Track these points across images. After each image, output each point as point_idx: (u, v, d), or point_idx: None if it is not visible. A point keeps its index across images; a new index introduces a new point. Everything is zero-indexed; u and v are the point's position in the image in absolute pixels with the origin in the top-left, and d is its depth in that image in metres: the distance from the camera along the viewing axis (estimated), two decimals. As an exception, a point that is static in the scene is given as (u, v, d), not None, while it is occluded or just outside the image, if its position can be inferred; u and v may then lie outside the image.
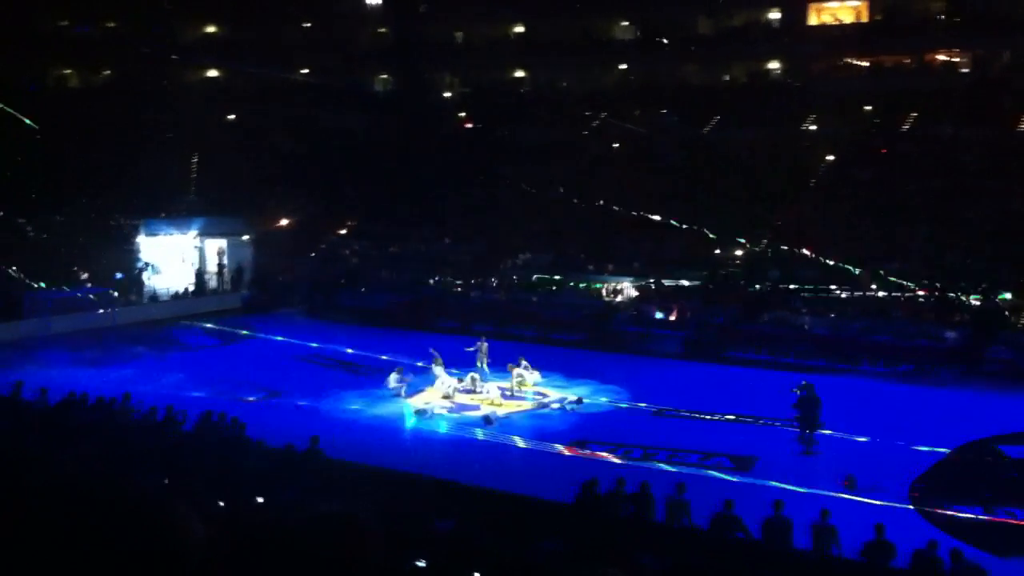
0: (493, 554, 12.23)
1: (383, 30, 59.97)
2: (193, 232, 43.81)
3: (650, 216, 41.40)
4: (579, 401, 25.31)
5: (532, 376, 26.97)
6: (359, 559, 2.05)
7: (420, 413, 24.55)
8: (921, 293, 32.77)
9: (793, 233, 38.26)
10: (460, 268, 41.10)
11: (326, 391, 27.15)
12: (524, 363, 27.16)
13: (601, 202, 43.32)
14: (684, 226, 40.18)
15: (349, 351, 32.82)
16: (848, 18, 49.87)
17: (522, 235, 42.51)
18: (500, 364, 27.46)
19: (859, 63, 49.43)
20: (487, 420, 23.81)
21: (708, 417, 24.58)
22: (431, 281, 40.40)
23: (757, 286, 35.32)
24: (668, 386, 27.88)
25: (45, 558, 1.79)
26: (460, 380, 26.53)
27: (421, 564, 10.25)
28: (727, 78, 52.73)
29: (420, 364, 27.82)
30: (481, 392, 25.96)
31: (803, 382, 23.19)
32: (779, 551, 14.24)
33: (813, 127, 46.39)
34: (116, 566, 1.79)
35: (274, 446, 18.99)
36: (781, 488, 16.92)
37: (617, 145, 48.87)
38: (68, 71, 60.28)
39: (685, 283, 36.52)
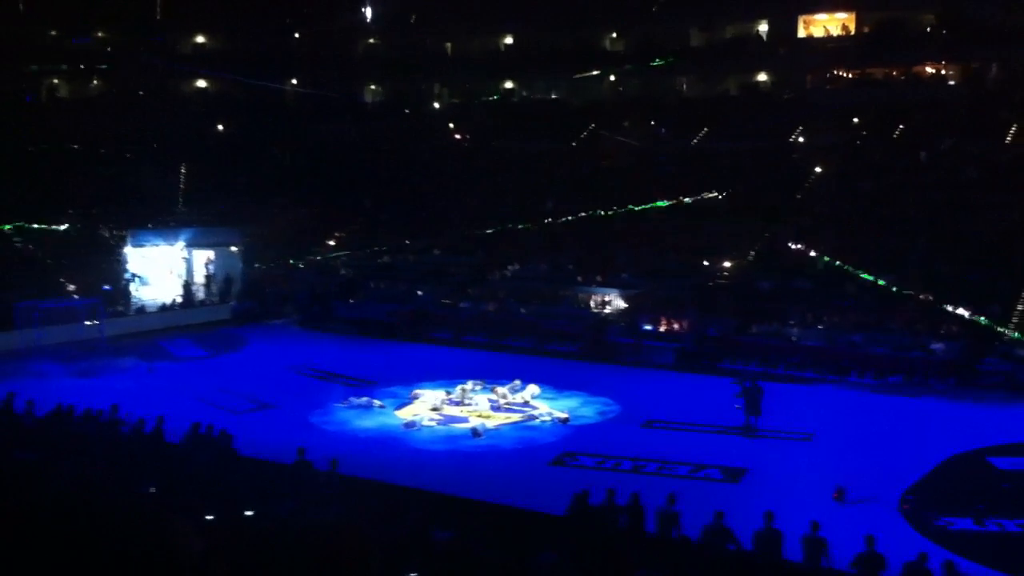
0: (489, 566, 12.16)
1: (375, 42, 60.09)
2: (180, 243, 43.65)
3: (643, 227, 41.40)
4: (565, 420, 25.17)
5: (529, 389, 26.84)
6: (357, 569, 2.02)
7: (409, 425, 24.47)
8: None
9: (783, 244, 38.33)
10: (453, 279, 41.05)
11: (316, 403, 27.04)
12: (517, 382, 27.12)
13: (594, 213, 43.36)
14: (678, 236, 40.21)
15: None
16: (837, 31, 50.11)
17: (516, 246, 42.50)
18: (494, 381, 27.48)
19: (850, 75, 49.64)
20: (475, 432, 23.73)
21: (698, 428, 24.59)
22: (419, 293, 40.28)
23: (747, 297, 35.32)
24: (659, 398, 27.84)
25: (44, 571, 1.76)
26: (449, 392, 26.46)
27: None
28: (719, 90, 52.89)
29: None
30: (470, 404, 25.87)
31: (743, 376, 25.39)
32: (770, 563, 14.19)
33: (803, 139, 46.52)
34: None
35: (263, 458, 18.98)
36: (771, 500, 16.86)
37: (609, 157, 48.94)
38: (61, 81, 60.21)
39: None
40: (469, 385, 26.66)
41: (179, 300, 41.38)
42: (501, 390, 26.32)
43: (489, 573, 11.72)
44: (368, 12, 58.87)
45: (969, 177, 39.49)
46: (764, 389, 24.35)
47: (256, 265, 44.50)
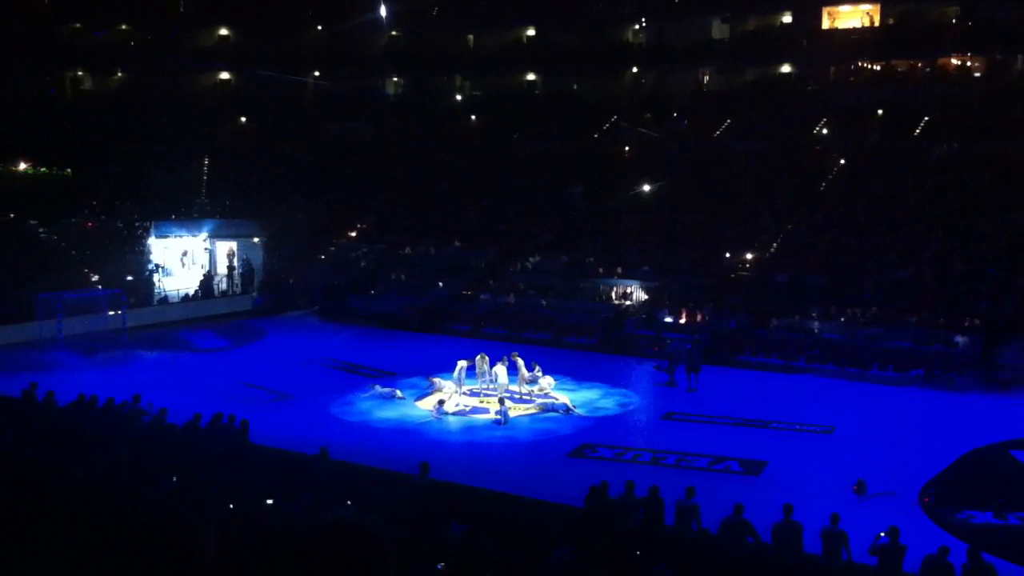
0: (505, 560, 12.18)
1: (395, 35, 60.09)
2: (204, 234, 43.86)
3: (662, 221, 41.27)
4: (570, 410, 25.14)
5: (545, 381, 26.85)
6: (369, 566, 2.04)
7: (439, 405, 24.62)
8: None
9: (804, 239, 38.14)
10: (471, 272, 41.06)
11: (336, 394, 27.16)
12: (538, 368, 27.08)
13: (613, 207, 43.26)
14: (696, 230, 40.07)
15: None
16: (862, 23, 49.72)
17: (534, 240, 42.45)
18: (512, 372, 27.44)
19: (875, 67, 49.23)
20: (497, 422, 23.79)
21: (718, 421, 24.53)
22: (440, 284, 40.32)
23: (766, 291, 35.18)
24: (678, 390, 27.77)
25: (59, 567, 1.78)
26: (468, 361, 26.57)
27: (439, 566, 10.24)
28: (741, 83, 52.56)
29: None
30: (492, 380, 25.96)
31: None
32: (789, 556, 14.16)
33: (825, 131, 46.22)
34: (129, 574, 1.78)
35: (284, 448, 19.09)
36: (791, 493, 16.81)
37: (628, 150, 48.81)
38: (82, 75, 60.60)
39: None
40: (487, 362, 26.69)
41: (199, 292, 41.56)
42: (521, 365, 26.33)
43: (503, 569, 11.75)
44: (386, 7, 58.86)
45: (984, 177, 39.05)
46: (701, 351, 27.99)
47: (276, 256, 44.66)
